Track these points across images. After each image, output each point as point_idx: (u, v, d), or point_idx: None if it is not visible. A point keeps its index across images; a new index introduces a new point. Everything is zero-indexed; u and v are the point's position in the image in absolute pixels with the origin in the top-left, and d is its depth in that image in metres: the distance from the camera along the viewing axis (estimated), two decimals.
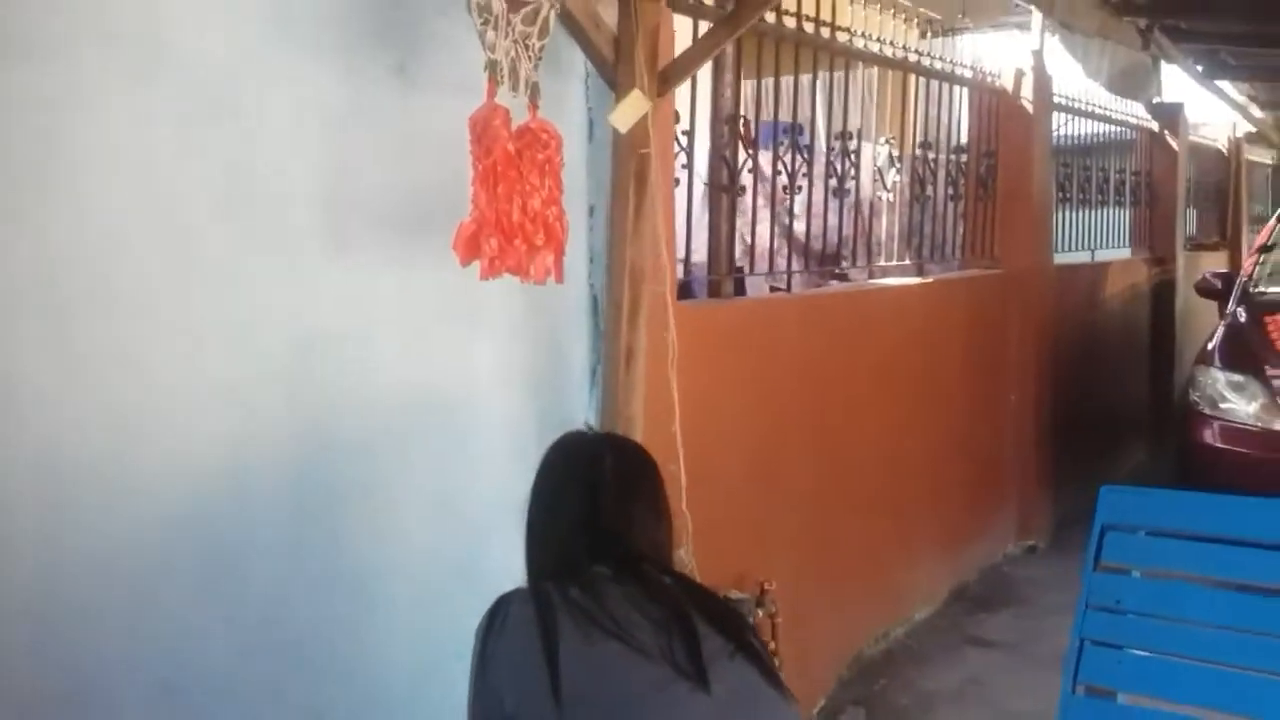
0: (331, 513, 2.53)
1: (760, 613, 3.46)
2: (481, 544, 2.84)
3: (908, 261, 5.24)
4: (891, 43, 4.84)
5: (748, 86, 3.89)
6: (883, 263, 5.05)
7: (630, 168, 2.72)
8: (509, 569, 2.77)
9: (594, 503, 2.01)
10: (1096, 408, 7.21)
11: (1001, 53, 6.02)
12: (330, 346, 2.50)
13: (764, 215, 4.63)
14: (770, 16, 3.80)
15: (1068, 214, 7.15)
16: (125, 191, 2.14)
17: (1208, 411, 5.34)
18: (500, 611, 1.92)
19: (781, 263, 4.52)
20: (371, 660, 2.61)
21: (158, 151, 2.18)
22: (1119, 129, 8.07)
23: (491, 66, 2.20)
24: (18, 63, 1.99)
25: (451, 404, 2.81)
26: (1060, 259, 6.76)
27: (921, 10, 5.10)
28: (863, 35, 4.58)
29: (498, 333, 2.92)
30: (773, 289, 4.49)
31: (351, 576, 2.57)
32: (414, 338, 2.69)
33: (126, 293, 2.16)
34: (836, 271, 4.83)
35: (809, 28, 4.16)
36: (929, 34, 5.30)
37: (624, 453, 2.13)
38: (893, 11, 4.83)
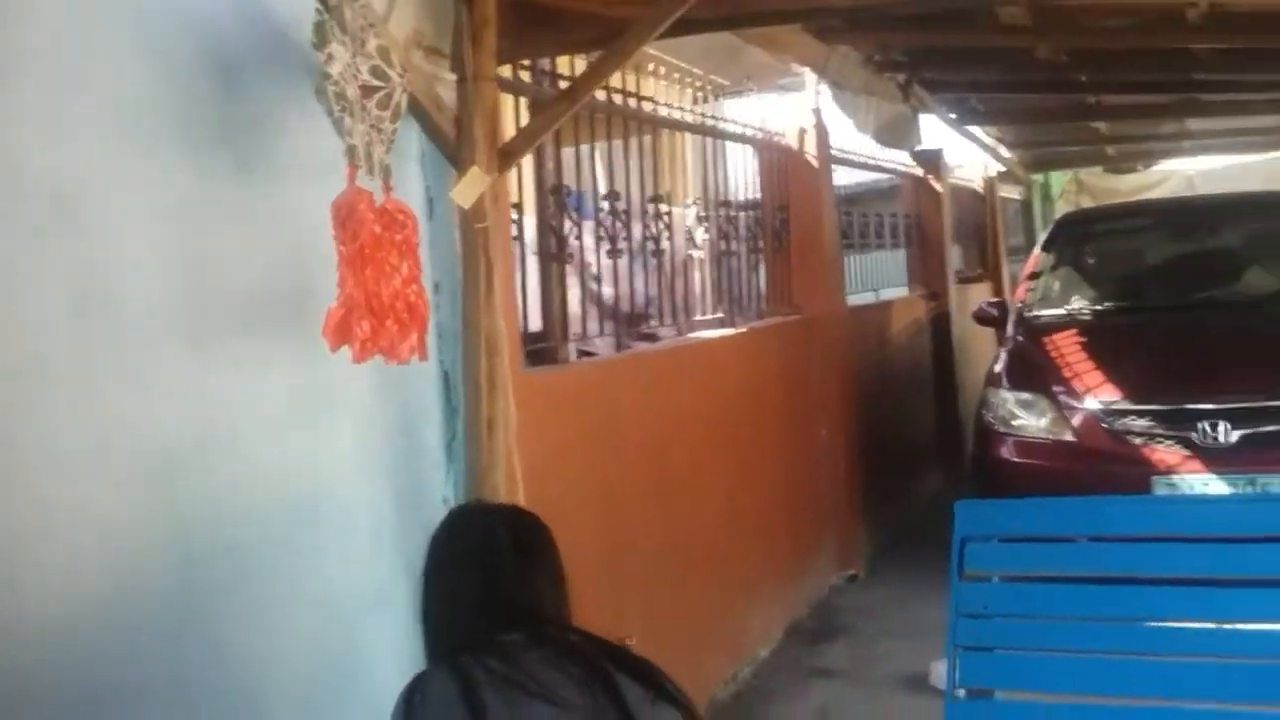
0: (209, 624, 2.44)
1: None
2: (355, 633, 2.81)
3: (720, 315, 5.43)
4: (693, 110, 5.05)
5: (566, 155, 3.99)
6: (698, 317, 5.22)
7: (479, 242, 2.77)
8: (381, 657, 2.76)
9: (497, 578, 2.05)
10: (895, 436, 7.60)
11: (786, 112, 6.33)
12: (191, 451, 2.42)
13: (572, 282, 4.69)
14: None
15: (852, 258, 7.53)
16: None
17: (1001, 430, 5.63)
18: (418, 690, 1.93)
19: (594, 326, 4.58)
20: None
21: (5, 268, 2.09)
22: (890, 177, 8.60)
23: (350, 152, 2.23)
24: None
25: (315, 497, 2.75)
26: (850, 300, 7.12)
27: (712, 78, 5.34)
28: (666, 105, 4.78)
29: (354, 419, 2.89)
30: (581, 353, 4.55)
31: (235, 688, 2.48)
32: (274, 433, 2.63)
33: None
34: (644, 331, 4.93)
35: (617, 99, 4.32)
36: (717, 97, 5.54)
37: (519, 525, 2.18)
38: (690, 80, 5.06)
